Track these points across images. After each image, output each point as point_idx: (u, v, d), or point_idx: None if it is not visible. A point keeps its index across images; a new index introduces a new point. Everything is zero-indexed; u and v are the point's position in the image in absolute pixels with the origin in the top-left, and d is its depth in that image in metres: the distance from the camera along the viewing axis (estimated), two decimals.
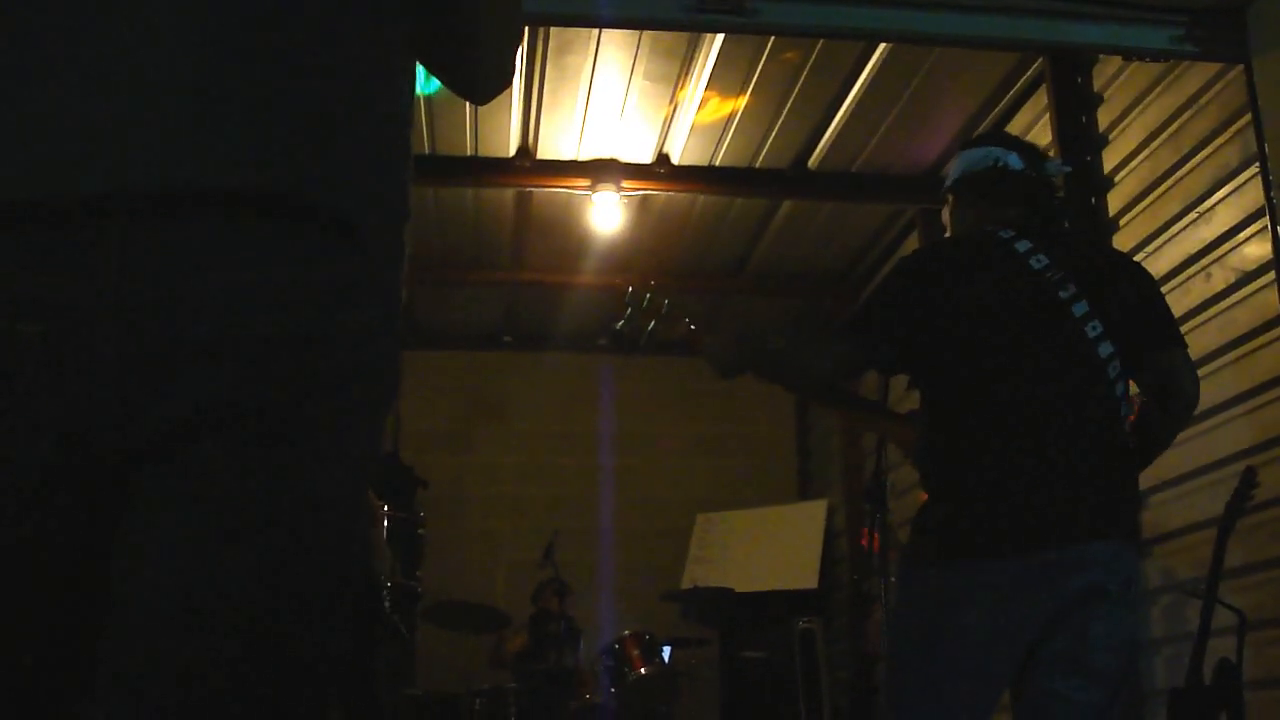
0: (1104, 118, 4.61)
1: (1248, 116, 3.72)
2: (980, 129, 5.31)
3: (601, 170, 5.77)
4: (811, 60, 4.97)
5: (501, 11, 1.16)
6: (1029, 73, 5.02)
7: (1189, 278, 4.04)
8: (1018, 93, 5.17)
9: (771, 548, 7.23)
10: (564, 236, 6.54)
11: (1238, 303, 3.82)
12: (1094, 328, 2.36)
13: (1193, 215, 4.06)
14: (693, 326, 2.66)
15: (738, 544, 7.29)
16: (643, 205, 6.31)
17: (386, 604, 4.62)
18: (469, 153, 5.70)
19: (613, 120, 5.46)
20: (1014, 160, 2.55)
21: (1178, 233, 4.13)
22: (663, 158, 5.79)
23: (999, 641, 2.24)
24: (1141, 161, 4.36)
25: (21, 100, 0.90)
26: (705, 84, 5.14)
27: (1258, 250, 3.73)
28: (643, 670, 5.80)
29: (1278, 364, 3.64)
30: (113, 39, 0.91)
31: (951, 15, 3.75)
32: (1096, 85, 4.66)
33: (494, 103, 1.25)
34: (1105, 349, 2.36)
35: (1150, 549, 4.04)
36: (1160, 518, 4.08)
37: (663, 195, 6.19)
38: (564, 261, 6.84)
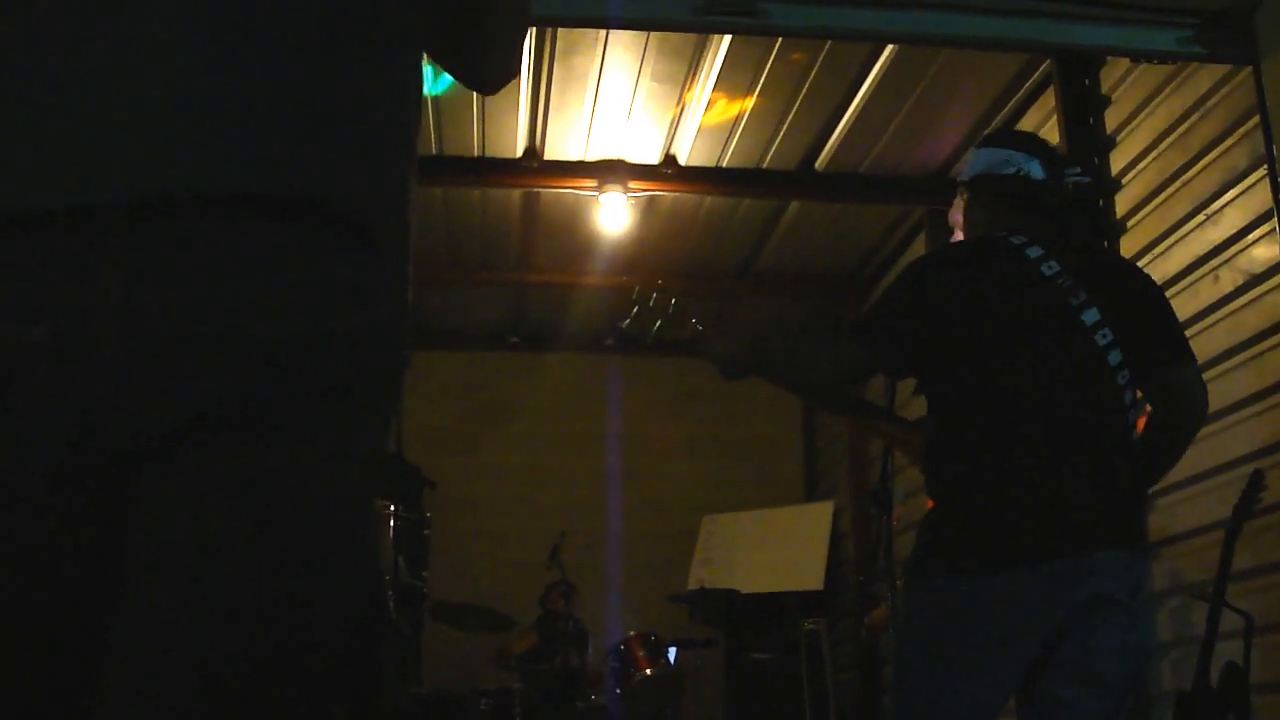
0: (1112, 120, 4.60)
1: (1256, 118, 3.72)
2: (988, 130, 5.30)
3: (608, 171, 5.76)
4: (819, 61, 4.96)
5: None
6: (1037, 74, 5.01)
7: (1197, 280, 4.03)
8: (1025, 94, 5.16)
9: (777, 549, 7.22)
10: (571, 237, 6.53)
11: (1246, 305, 3.81)
12: (1104, 335, 2.36)
13: (1201, 217, 4.05)
14: (699, 327, 2.65)
15: (743, 545, 7.27)
16: (650, 206, 6.31)
17: (390, 603, 4.62)
18: (476, 154, 5.68)
19: (620, 121, 5.46)
20: (1036, 169, 2.53)
21: (1186, 235, 4.12)
22: (670, 158, 5.78)
23: (1007, 651, 2.23)
24: (1150, 163, 4.35)
25: (28, 105, 0.90)
26: (713, 85, 5.13)
27: (1266, 252, 3.72)
28: (648, 671, 5.81)
29: None
30: (117, 43, 0.91)
31: (959, 17, 3.75)
32: (1104, 87, 4.65)
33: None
34: (1114, 357, 2.35)
35: (1157, 552, 4.02)
36: (1167, 520, 4.07)
37: (670, 196, 6.19)
38: (571, 262, 6.83)
